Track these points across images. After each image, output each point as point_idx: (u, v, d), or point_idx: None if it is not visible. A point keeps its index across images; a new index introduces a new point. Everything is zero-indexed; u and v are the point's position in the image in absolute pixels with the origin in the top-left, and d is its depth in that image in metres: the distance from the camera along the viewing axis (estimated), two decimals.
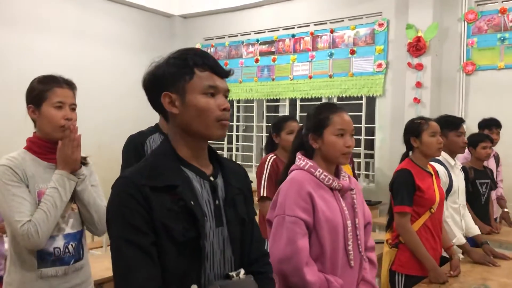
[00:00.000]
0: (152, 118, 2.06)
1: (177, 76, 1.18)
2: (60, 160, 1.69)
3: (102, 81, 6.16)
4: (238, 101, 6.78)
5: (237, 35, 6.70)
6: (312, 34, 5.95)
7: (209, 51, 6.93)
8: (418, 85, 4.92)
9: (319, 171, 1.74)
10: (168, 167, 1.16)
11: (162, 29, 7.07)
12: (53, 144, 1.74)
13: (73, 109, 1.76)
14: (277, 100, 6.46)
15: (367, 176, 5.72)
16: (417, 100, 4.93)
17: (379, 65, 5.37)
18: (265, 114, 6.49)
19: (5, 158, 1.68)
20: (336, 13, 5.76)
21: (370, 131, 5.66)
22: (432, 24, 4.83)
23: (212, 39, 6.96)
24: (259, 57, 6.42)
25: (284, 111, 6.28)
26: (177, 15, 7.10)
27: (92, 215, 1.77)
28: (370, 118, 5.63)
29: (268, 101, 6.52)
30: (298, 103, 6.15)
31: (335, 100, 5.82)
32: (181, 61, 1.19)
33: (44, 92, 1.71)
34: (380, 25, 5.36)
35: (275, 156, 3.00)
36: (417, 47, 4.88)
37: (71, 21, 5.91)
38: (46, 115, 1.70)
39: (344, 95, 5.68)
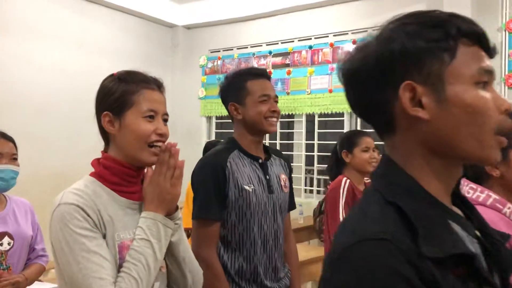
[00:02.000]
0: None
1: (429, 54, 0.67)
2: (152, 196, 1.13)
3: None
4: None
5: (247, 47, 6.24)
6: (332, 45, 5.55)
7: (216, 64, 6.46)
8: None
9: (509, 208, 1.29)
10: (433, 219, 0.65)
11: (164, 40, 6.59)
12: (136, 170, 1.18)
13: (166, 121, 1.22)
14: (291, 116, 5.99)
15: None
16: None
17: None
18: (278, 130, 6.01)
19: (70, 191, 1.10)
20: (359, 23, 5.37)
21: None
22: None
23: (219, 51, 6.48)
24: (272, 70, 5.97)
25: (301, 128, 5.84)
26: (180, 25, 6.62)
27: (186, 277, 1.23)
28: None
29: (282, 116, 6.04)
30: (317, 118, 5.70)
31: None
32: (434, 28, 0.68)
33: (129, 95, 1.17)
34: None
35: (349, 180, 2.51)
36: None
37: (70, 29, 5.36)
38: (132, 128, 1.15)
39: None
